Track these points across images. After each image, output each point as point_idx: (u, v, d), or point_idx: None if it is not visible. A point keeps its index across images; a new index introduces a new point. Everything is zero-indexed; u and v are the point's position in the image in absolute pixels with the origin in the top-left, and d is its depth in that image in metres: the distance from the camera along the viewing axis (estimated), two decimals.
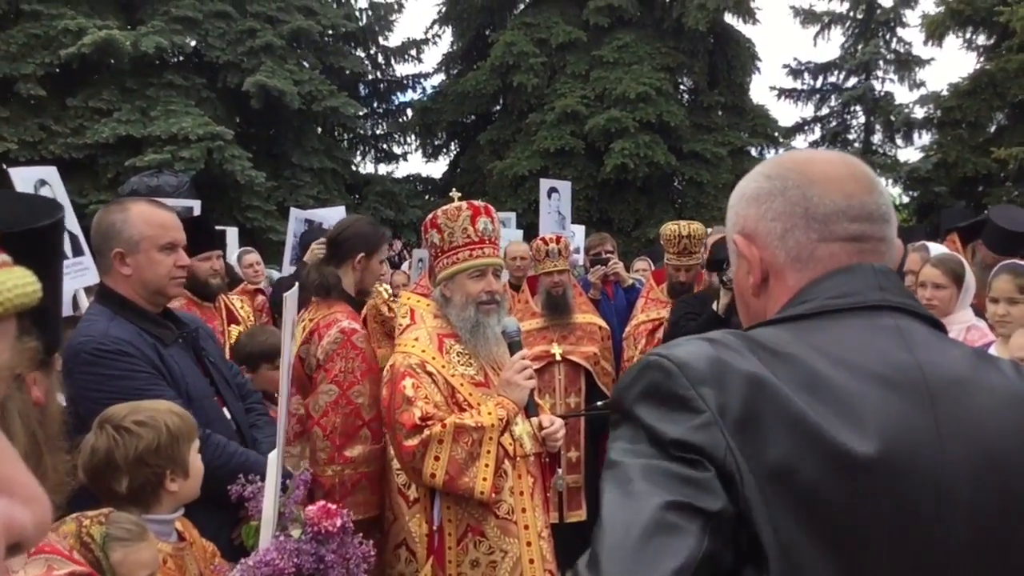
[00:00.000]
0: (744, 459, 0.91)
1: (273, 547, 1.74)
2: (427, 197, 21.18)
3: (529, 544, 2.76)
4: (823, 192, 1.11)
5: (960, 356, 1.06)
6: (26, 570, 0.92)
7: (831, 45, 27.29)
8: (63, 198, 4.72)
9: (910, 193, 19.36)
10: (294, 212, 6.98)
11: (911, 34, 21.76)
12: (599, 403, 4.33)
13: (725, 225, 1.25)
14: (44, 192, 4.42)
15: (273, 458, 1.94)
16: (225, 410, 2.65)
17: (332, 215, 7.33)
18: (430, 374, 2.75)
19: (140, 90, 16.83)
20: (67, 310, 3.88)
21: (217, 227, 5.26)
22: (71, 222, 4.41)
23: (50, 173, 4.89)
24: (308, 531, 1.78)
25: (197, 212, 7.21)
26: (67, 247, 4.30)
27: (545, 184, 8.25)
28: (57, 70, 16.32)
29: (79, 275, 4.22)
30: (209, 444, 2.34)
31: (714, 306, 4.45)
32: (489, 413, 2.71)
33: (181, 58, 18.20)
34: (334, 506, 1.81)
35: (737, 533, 0.90)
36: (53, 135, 16.07)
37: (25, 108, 16.11)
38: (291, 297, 2.06)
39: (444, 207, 2.91)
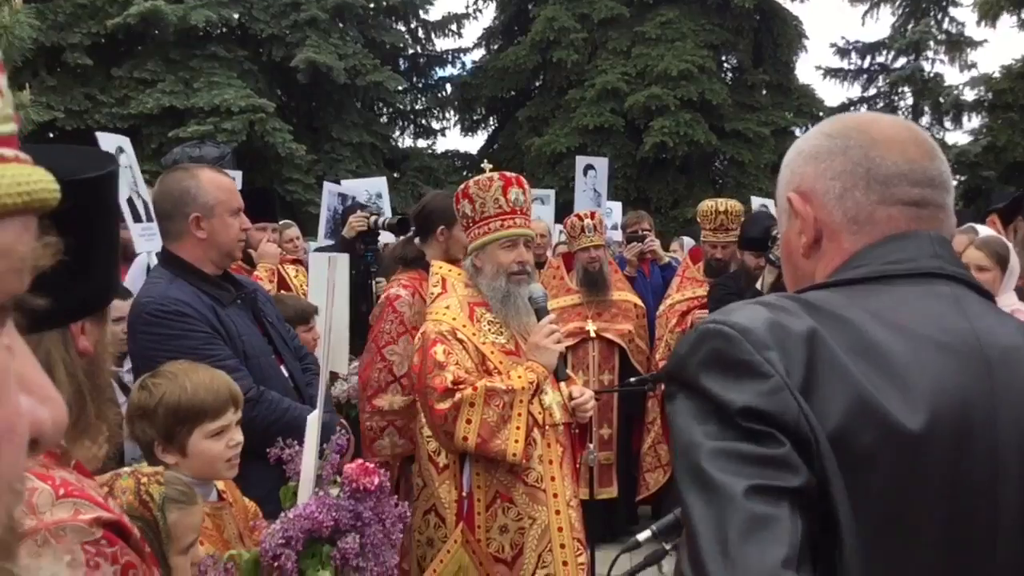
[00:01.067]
0: (818, 422, 0.89)
1: (313, 502, 1.77)
2: (464, 173, 21.17)
3: (558, 512, 2.77)
4: (885, 153, 1.09)
5: (1014, 326, 1.06)
6: (52, 511, 0.93)
7: (880, 24, 26.57)
8: (136, 167, 5.07)
9: (958, 177, 18.90)
10: (327, 186, 7.00)
11: (963, 14, 21.14)
12: (632, 379, 4.32)
13: (776, 186, 1.22)
14: (120, 159, 4.60)
15: (313, 419, 1.96)
16: (283, 368, 2.73)
17: (363, 186, 7.37)
18: (460, 341, 2.77)
19: (184, 61, 17.03)
20: (142, 274, 4.00)
21: None
22: (142, 189, 4.74)
23: (126, 142, 5.45)
24: (346, 489, 1.81)
25: (239, 184, 7.30)
26: (141, 212, 4.50)
27: (581, 161, 8.18)
28: (103, 40, 16.55)
29: (150, 239, 4.34)
30: (263, 400, 2.44)
31: (758, 284, 4.40)
32: (519, 377, 2.73)
33: (225, 30, 18.35)
34: (372, 464, 1.84)
35: (817, 503, 0.88)
36: (98, 105, 16.35)
37: (72, 77, 16.39)
38: (340, 261, 2.08)
39: (476, 178, 2.92)
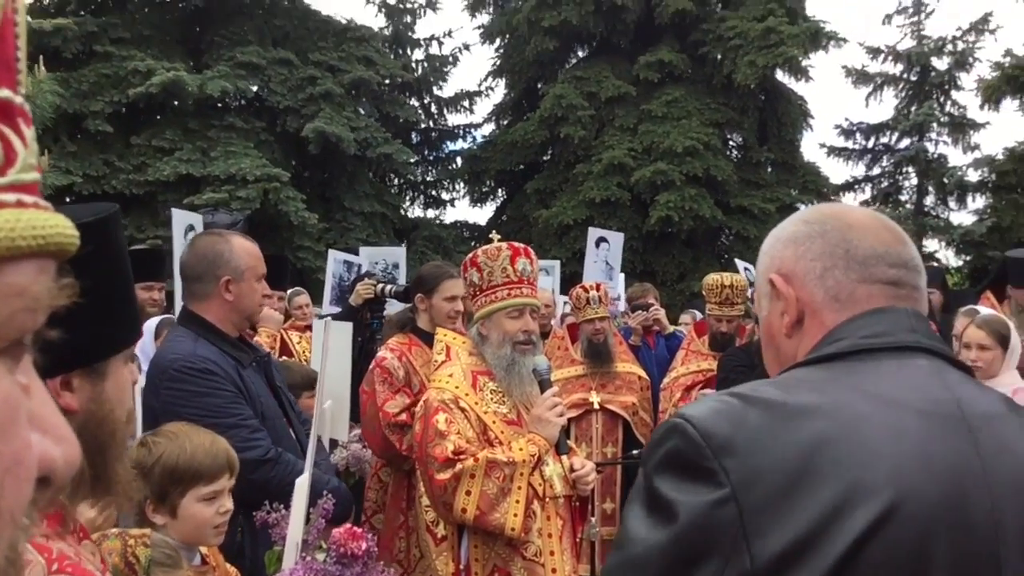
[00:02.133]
0: (757, 540, 0.90)
1: (300, 567, 1.76)
2: (473, 243, 21.35)
3: None
4: (862, 236, 1.13)
5: (994, 397, 1.08)
6: None
7: (884, 106, 27.04)
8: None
9: (963, 257, 18.99)
10: (332, 253, 7.09)
11: (966, 97, 21.56)
12: (635, 452, 4.29)
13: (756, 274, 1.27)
14: (189, 236, 4.73)
15: (301, 483, 1.97)
16: (291, 431, 2.78)
17: (381, 255, 7.45)
18: (463, 410, 2.78)
19: (202, 131, 17.40)
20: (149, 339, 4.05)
21: None
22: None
23: (197, 220, 5.74)
24: (332, 554, 1.80)
25: None
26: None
27: (594, 233, 8.26)
28: (124, 109, 16.97)
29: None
30: (280, 462, 2.49)
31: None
32: (520, 449, 2.73)
33: (243, 102, 18.81)
34: (359, 529, 1.83)
35: None
36: (116, 171, 16.65)
37: (92, 144, 16.75)
38: (342, 329, 2.12)
39: (484, 247, 2.97)
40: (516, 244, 2.98)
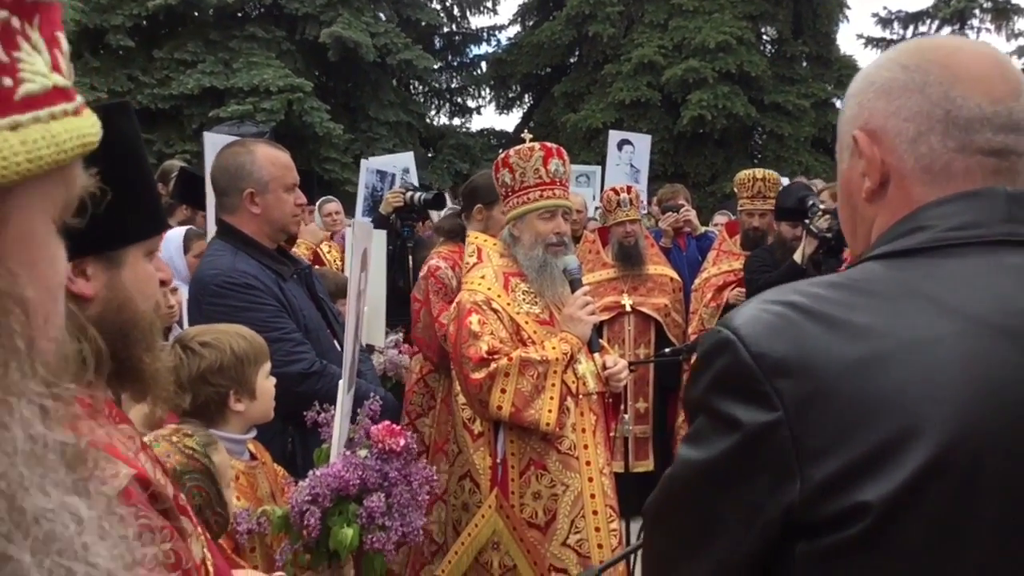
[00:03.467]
0: (809, 465, 0.85)
1: (340, 461, 1.82)
2: (500, 151, 21.03)
3: (591, 479, 2.81)
4: (968, 93, 0.96)
5: None
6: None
7: None
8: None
9: None
10: (364, 163, 7.03)
11: None
12: (667, 350, 4.32)
13: (840, 118, 1.10)
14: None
15: (342, 386, 2.02)
16: (335, 343, 2.77)
17: (391, 161, 7.39)
18: (495, 311, 2.81)
19: (223, 42, 17.19)
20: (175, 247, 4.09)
21: None
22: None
23: (230, 140, 5.60)
24: (374, 450, 1.86)
25: None
26: None
27: (615, 136, 8.07)
28: (144, 22, 16.77)
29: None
30: (325, 374, 2.47)
31: (796, 256, 4.36)
32: (553, 348, 2.76)
33: (262, 10, 18.47)
34: (398, 427, 1.88)
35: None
36: (140, 85, 16.60)
37: (114, 59, 16.65)
38: (362, 228, 2.12)
39: (516, 147, 2.93)
40: (549, 144, 2.93)
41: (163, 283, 1.23)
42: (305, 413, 2.04)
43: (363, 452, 1.88)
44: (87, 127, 0.56)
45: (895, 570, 0.85)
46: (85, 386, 1.02)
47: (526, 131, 3.21)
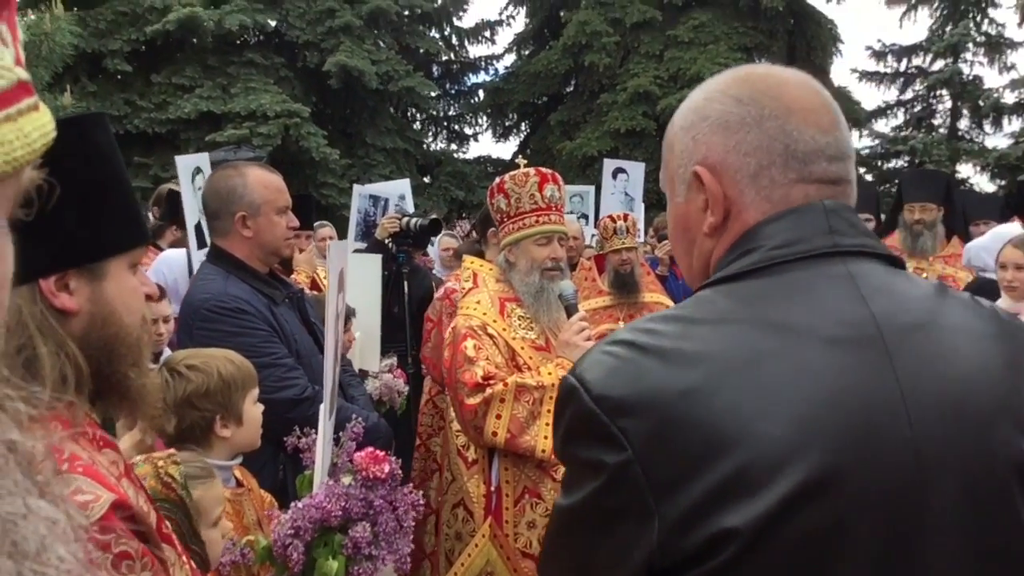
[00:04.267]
0: (664, 502, 0.84)
1: (322, 491, 1.78)
2: (496, 178, 21.21)
3: None
4: (802, 126, 0.98)
5: (920, 296, 0.96)
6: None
7: (918, 27, 26.29)
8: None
9: (997, 181, 18.56)
10: (357, 188, 7.01)
11: (1003, 15, 20.84)
12: None
13: (666, 150, 1.09)
14: (196, 180, 4.63)
15: (323, 410, 1.98)
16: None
17: (388, 188, 7.39)
18: (491, 336, 2.78)
19: (221, 67, 17.29)
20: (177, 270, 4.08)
21: None
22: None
23: (204, 161, 5.47)
24: (358, 478, 1.81)
25: None
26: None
27: (610, 164, 8.09)
28: (143, 47, 16.87)
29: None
30: (318, 400, 2.39)
31: None
32: (549, 373, 2.73)
33: (262, 37, 18.61)
34: (382, 453, 1.84)
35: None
36: (138, 110, 16.65)
37: (112, 83, 16.72)
38: (338, 248, 2.09)
39: (512, 172, 2.92)
40: (544, 170, 2.93)
41: (149, 297, 1.20)
42: (286, 439, 2.00)
43: (347, 479, 1.84)
44: (47, 121, 0.55)
45: None
46: (66, 405, 1.00)
47: (521, 157, 3.20)
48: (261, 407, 2.07)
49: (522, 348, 2.82)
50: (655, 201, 16.72)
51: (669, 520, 0.83)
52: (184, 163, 5.36)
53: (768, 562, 0.82)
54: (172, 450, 1.73)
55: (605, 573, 0.91)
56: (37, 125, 0.53)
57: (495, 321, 2.82)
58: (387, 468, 1.83)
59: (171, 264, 4.24)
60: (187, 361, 1.99)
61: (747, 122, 0.99)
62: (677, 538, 0.83)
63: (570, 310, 2.83)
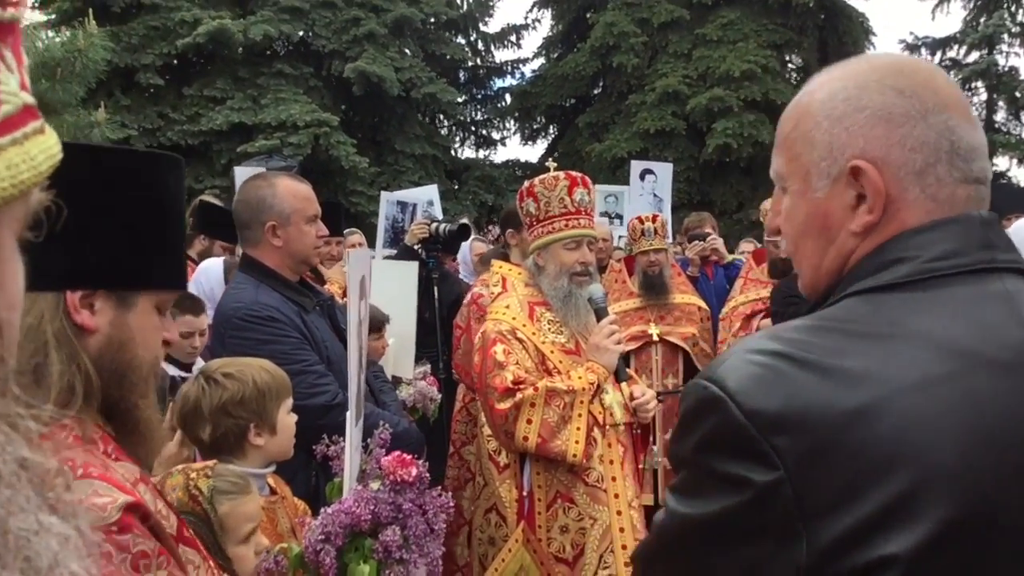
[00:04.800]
0: (815, 524, 0.80)
1: (351, 497, 1.78)
2: (525, 181, 21.18)
3: (619, 513, 2.75)
4: (961, 121, 0.93)
5: None
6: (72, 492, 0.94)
7: (951, 19, 25.84)
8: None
9: None
10: (384, 195, 7.04)
11: None
12: None
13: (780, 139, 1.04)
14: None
15: (350, 417, 1.99)
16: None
17: (416, 194, 7.41)
18: (520, 340, 2.78)
19: (251, 79, 17.50)
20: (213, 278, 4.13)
21: None
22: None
23: (259, 171, 5.68)
24: (386, 482, 1.82)
25: None
26: None
27: (637, 166, 8.06)
28: (175, 61, 17.14)
29: None
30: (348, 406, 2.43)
31: None
32: (579, 377, 2.72)
33: (290, 48, 18.79)
34: (409, 456, 1.84)
35: None
36: (170, 122, 16.90)
37: (144, 97, 16.99)
38: (358, 256, 2.10)
39: (541, 176, 2.92)
40: (573, 173, 2.92)
41: (166, 343, 1.23)
42: (314, 447, 2.01)
43: (375, 484, 1.84)
44: (53, 144, 0.56)
45: None
46: (73, 417, 1.02)
47: (551, 160, 3.19)
48: (295, 416, 2.08)
49: (552, 352, 2.81)
50: (685, 202, 16.63)
51: (819, 544, 0.79)
52: (242, 174, 5.54)
53: None
54: (212, 462, 1.74)
55: None
56: (43, 148, 0.54)
57: (524, 325, 2.81)
58: (414, 471, 1.83)
59: (209, 274, 4.30)
60: (223, 369, 2.00)
61: (912, 116, 0.94)
62: (828, 563, 0.80)
63: (600, 313, 2.82)
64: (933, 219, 0.93)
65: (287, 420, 2.06)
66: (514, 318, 2.83)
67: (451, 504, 1.86)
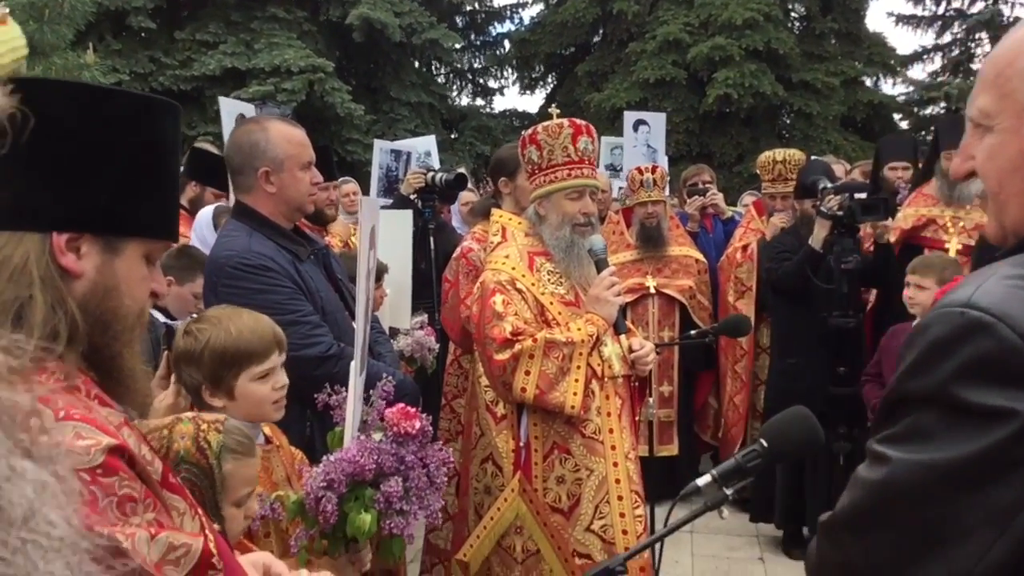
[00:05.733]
0: None
1: (355, 446, 1.77)
2: (523, 132, 20.96)
3: (615, 464, 2.75)
4: None
5: None
6: (51, 434, 0.90)
7: None
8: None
9: None
10: (378, 143, 6.93)
11: None
12: (693, 332, 4.24)
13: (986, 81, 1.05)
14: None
15: (354, 367, 1.97)
16: (353, 324, 2.72)
17: (420, 145, 7.31)
18: (520, 291, 2.75)
19: (244, 23, 17.18)
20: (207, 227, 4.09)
21: None
22: None
23: (248, 109, 5.63)
24: (389, 433, 1.81)
25: None
26: None
27: (630, 116, 7.95)
28: (165, 4, 16.79)
29: None
30: (344, 356, 2.39)
31: (811, 240, 4.27)
32: (579, 329, 2.70)
33: None
34: (413, 409, 1.83)
35: None
36: (163, 67, 16.62)
37: (136, 41, 16.69)
38: (369, 204, 2.06)
39: (545, 123, 2.85)
40: (578, 121, 2.85)
41: (154, 295, 1.19)
42: (316, 396, 1.99)
43: (377, 435, 1.83)
44: (16, 38, 0.51)
45: None
46: (56, 360, 0.99)
47: (554, 106, 3.12)
48: (271, 384, 1.99)
49: (551, 303, 2.78)
50: (685, 153, 16.49)
51: None
52: (228, 107, 5.45)
53: None
54: (223, 416, 1.72)
55: (977, 533, 0.82)
56: (4, 39, 0.49)
57: (524, 276, 2.78)
58: (418, 424, 1.82)
59: (210, 224, 4.25)
60: (199, 323, 1.97)
61: None
62: None
63: (600, 265, 2.78)
64: None
65: (251, 388, 1.95)
66: (513, 268, 2.79)
67: (451, 459, 1.85)
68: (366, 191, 7.13)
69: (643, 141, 7.73)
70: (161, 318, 2.92)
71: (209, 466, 1.57)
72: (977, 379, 0.81)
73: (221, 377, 1.93)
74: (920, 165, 5.01)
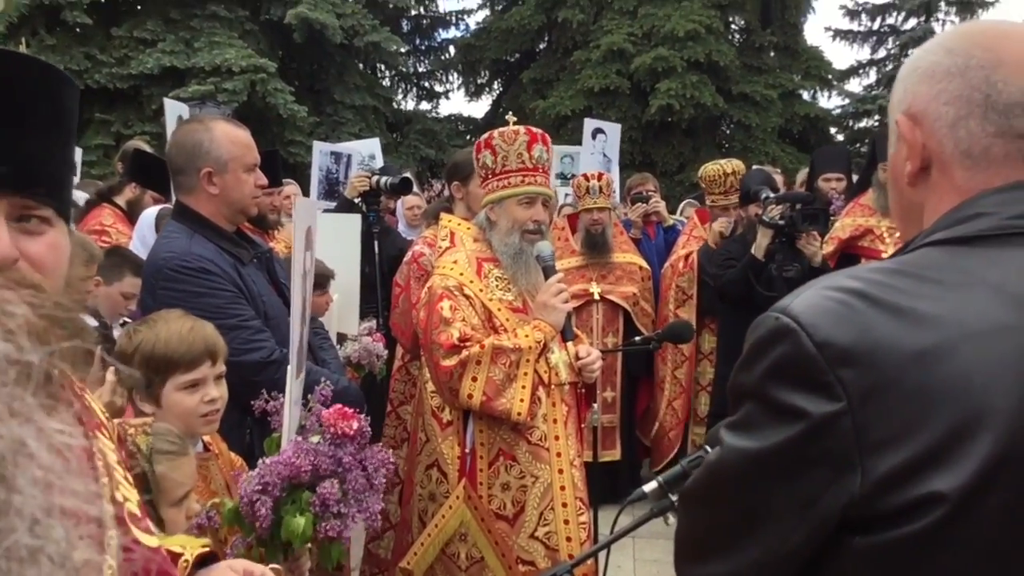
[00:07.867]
0: (871, 458, 0.83)
1: (290, 448, 1.74)
2: (468, 137, 21.00)
3: (561, 471, 2.75)
4: (1010, 78, 0.96)
5: None
6: None
7: None
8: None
9: None
10: (318, 145, 6.80)
11: None
12: (637, 339, 4.28)
13: (890, 107, 1.10)
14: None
15: (290, 371, 1.93)
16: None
17: (357, 147, 7.24)
18: (467, 297, 2.73)
19: (184, 21, 16.80)
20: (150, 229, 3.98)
21: None
22: None
23: (184, 111, 5.67)
24: (326, 435, 1.77)
25: None
26: None
27: (590, 124, 8.02)
28: None
29: None
30: (285, 363, 2.29)
31: (753, 249, 4.34)
32: (526, 336, 2.69)
33: None
34: (351, 410, 1.80)
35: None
36: (98, 64, 16.15)
37: (71, 37, 16.18)
38: (305, 205, 2.03)
39: (501, 129, 2.85)
40: (534, 129, 2.86)
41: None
42: (253, 402, 1.94)
43: (315, 438, 1.80)
44: None
45: (964, 562, 0.83)
46: None
47: (510, 113, 3.13)
48: (198, 397, 1.93)
49: (499, 310, 2.78)
50: (628, 162, 16.64)
51: (873, 477, 0.83)
52: (172, 108, 5.43)
53: (967, 534, 0.82)
54: (149, 419, 1.66)
55: (783, 519, 0.90)
56: None
57: (472, 281, 2.77)
58: (355, 425, 1.78)
59: (142, 224, 4.14)
60: (141, 323, 1.92)
61: (952, 72, 0.98)
62: (879, 496, 0.83)
63: (547, 271, 2.78)
64: (984, 176, 0.96)
65: (176, 398, 1.89)
66: (461, 274, 2.78)
67: (392, 461, 1.83)
68: (306, 193, 7.03)
69: (600, 150, 7.81)
70: (93, 321, 2.83)
71: (142, 470, 1.52)
72: (782, 379, 0.88)
73: (150, 382, 1.88)
74: (853, 177, 5.16)
